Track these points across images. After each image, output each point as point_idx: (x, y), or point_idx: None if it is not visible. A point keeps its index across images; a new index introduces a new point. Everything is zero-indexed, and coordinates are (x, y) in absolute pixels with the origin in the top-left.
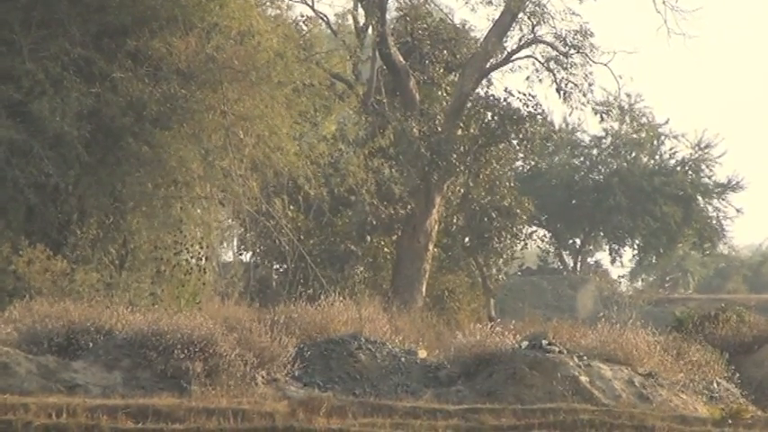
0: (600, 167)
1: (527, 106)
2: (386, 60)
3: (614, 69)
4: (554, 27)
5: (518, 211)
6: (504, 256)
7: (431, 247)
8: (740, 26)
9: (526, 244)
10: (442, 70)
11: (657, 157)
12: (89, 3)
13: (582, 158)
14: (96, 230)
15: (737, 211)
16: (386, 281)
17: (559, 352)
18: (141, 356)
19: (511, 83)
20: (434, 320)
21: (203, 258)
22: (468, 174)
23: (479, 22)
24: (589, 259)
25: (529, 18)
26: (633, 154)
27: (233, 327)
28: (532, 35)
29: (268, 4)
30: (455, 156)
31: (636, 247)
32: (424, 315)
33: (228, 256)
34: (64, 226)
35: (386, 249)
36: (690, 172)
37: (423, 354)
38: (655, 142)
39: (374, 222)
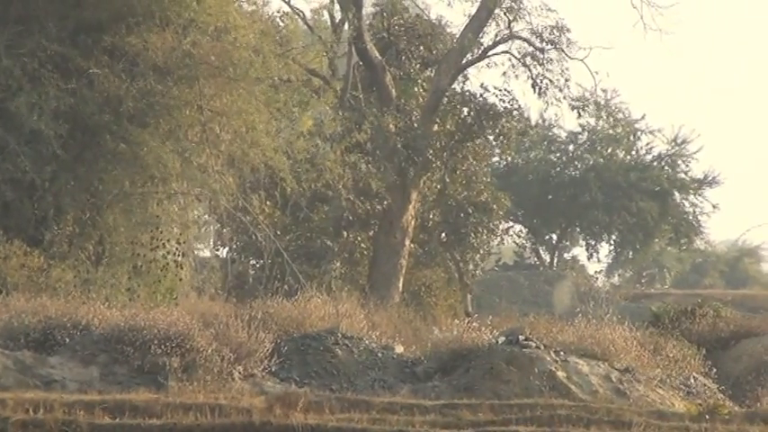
0: (576, 163)
1: (503, 102)
2: (362, 56)
3: (591, 65)
4: (530, 23)
5: (494, 206)
6: (481, 252)
7: (407, 242)
8: (716, 22)
9: (503, 239)
10: (418, 66)
11: (634, 152)
12: None
13: (558, 154)
14: (73, 227)
15: (714, 206)
16: (362, 276)
17: (536, 347)
18: (118, 352)
19: (487, 78)
20: (411, 316)
21: (180, 254)
22: (445, 169)
23: (456, 18)
24: (565, 255)
25: (505, 14)
26: (609, 149)
27: (210, 322)
28: (508, 31)
29: None
30: (431, 151)
31: (612, 242)
32: (400, 310)
33: (205, 252)
34: (40, 222)
35: (362, 245)
36: (666, 167)
37: (399, 349)
38: (631, 138)
39: (351, 218)
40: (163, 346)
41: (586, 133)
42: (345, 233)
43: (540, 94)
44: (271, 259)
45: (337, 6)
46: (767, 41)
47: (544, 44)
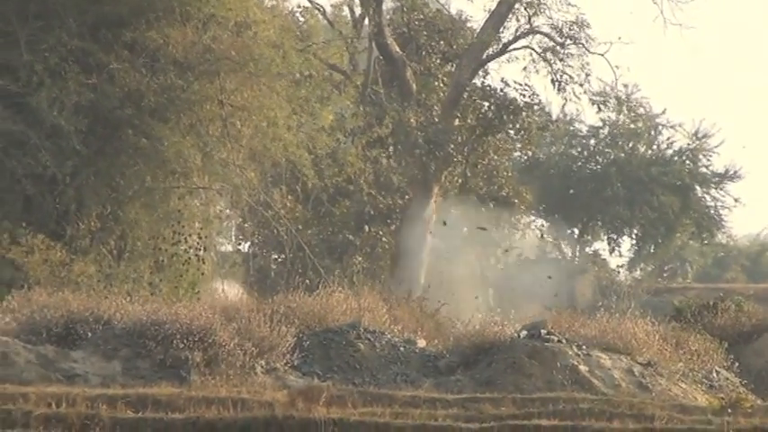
0: (597, 157)
1: (524, 96)
2: (382, 51)
3: (611, 60)
4: (550, 18)
5: (516, 201)
6: (502, 246)
7: (429, 236)
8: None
9: (524, 234)
10: (438, 61)
11: (655, 147)
12: None
13: (579, 148)
14: (95, 221)
15: (735, 200)
16: (384, 270)
17: (558, 341)
18: (140, 346)
19: (507, 73)
20: (433, 310)
21: (202, 249)
22: (466, 164)
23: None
24: (587, 249)
25: (525, 9)
26: (630, 144)
27: (232, 317)
28: (529, 26)
29: None
30: (452, 146)
31: (634, 236)
32: (423, 305)
33: (227, 247)
34: (62, 217)
35: (384, 239)
36: (687, 162)
37: (422, 343)
38: (652, 132)
39: (372, 212)
40: (185, 341)
41: (607, 128)
42: (367, 227)
43: (559, 89)
44: (292, 253)
45: (357, 1)
46: None
47: (564, 39)
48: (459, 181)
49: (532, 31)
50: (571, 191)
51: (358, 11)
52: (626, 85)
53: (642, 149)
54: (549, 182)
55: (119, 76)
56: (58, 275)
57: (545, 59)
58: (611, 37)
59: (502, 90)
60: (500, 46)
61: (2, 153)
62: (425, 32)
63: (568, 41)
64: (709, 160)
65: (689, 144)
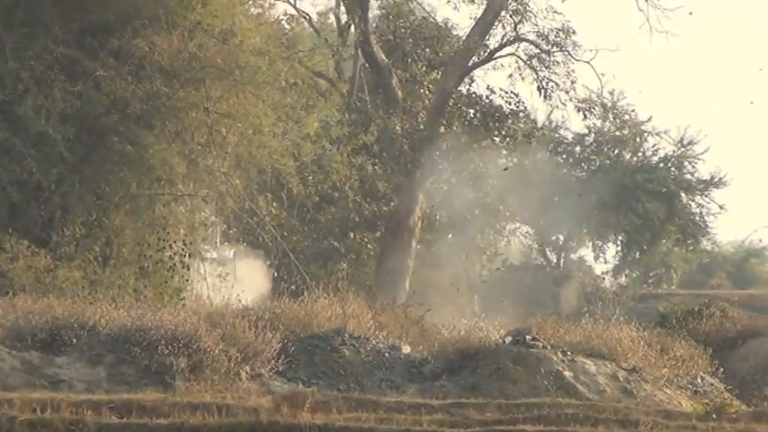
0: (583, 164)
1: (509, 104)
2: (368, 58)
3: (597, 67)
4: (536, 25)
5: (501, 207)
6: (488, 253)
7: (414, 243)
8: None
9: (509, 240)
10: (424, 68)
11: (640, 154)
12: (71, 1)
13: (565, 155)
14: (80, 228)
15: (720, 207)
16: (369, 277)
17: (543, 347)
18: (125, 352)
19: (493, 81)
20: (418, 316)
21: (187, 255)
22: (451, 171)
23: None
24: (572, 255)
25: (511, 16)
26: (616, 151)
27: (217, 322)
28: (515, 33)
29: (251, 2)
30: (438, 153)
31: (619, 243)
32: (407, 311)
33: (212, 254)
34: (47, 223)
35: (369, 246)
36: (673, 169)
37: (407, 349)
38: (637, 139)
39: (357, 219)
40: (170, 347)
41: (593, 135)
42: (352, 234)
43: (545, 96)
44: (278, 260)
45: (343, 9)
46: None
47: (550, 46)
48: (445, 188)
49: (518, 38)
50: (556, 198)
51: (344, 18)
52: (612, 93)
53: (627, 156)
54: (535, 189)
55: (105, 83)
56: (42, 282)
57: (531, 67)
58: (596, 44)
59: (487, 97)
60: (486, 53)
61: None
62: (411, 40)
63: (554, 49)
64: (694, 167)
65: (674, 151)
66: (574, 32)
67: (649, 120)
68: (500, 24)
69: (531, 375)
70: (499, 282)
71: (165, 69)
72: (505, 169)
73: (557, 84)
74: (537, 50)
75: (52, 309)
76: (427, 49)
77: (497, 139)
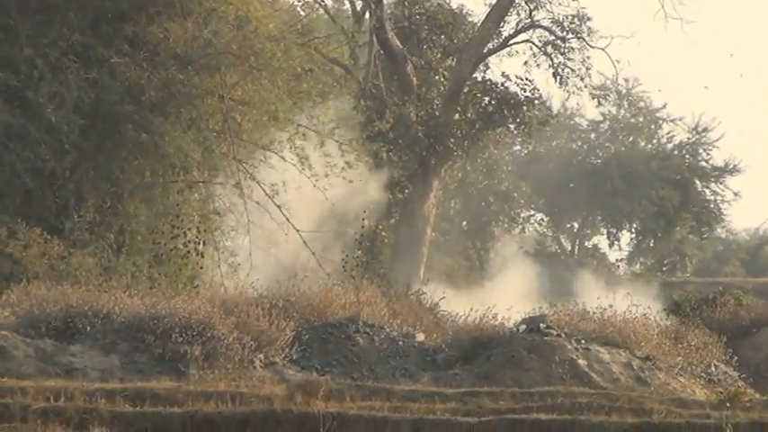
0: (598, 151)
1: (524, 91)
2: (383, 45)
3: (612, 54)
4: (551, 12)
5: (515, 195)
6: (502, 240)
7: (428, 230)
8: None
9: (524, 228)
10: (439, 55)
11: (655, 141)
12: None
13: (580, 143)
14: (94, 215)
15: (735, 194)
16: (384, 265)
17: (557, 335)
18: (139, 340)
19: (508, 67)
20: (432, 304)
21: (201, 243)
22: (466, 158)
23: (476, 7)
24: (587, 243)
25: (526, 2)
26: (631, 138)
27: (231, 310)
28: (530, 20)
29: None
30: (452, 140)
31: (633, 230)
32: (421, 299)
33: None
34: (61, 211)
35: (384, 233)
36: (687, 156)
37: (421, 337)
38: (652, 126)
39: (372, 206)
40: (184, 335)
41: (608, 122)
42: (366, 222)
43: (561, 83)
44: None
45: None
46: None
47: (565, 33)
48: (459, 175)
49: (533, 25)
50: (571, 185)
51: (359, 5)
52: (627, 80)
53: (642, 144)
54: (549, 176)
55: (119, 70)
56: (56, 269)
57: (546, 53)
58: (611, 31)
59: (502, 84)
60: (501, 40)
61: (1, 147)
62: (426, 27)
63: (569, 35)
64: (708, 154)
65: (689, 138)
66: (589, 19)
67: (664, 107)
68: (515, 11)
69: (544, 364)
70: (514, 269)
71: (179, 56)
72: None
73: (572, 70)
74: (552, 37)
75: (66, 296)
76: (442, 36)
77: (512, 126)
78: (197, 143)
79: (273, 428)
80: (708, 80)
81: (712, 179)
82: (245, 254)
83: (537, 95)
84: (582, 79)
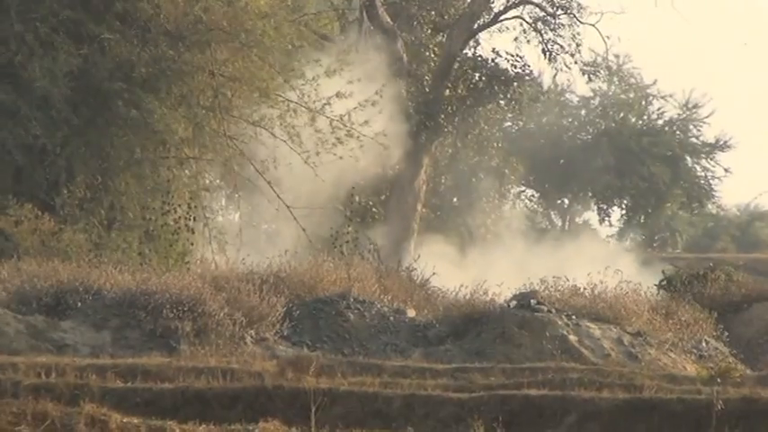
0: (588, 128)
1: (515, 67)
2: (373, 21)
3: (602, 30)
4: None
5: (506, 171)
6: (493, 217)
7: (419, 207)
8: None
9: (514, 204)
10: (429, 31)
11: (645, 117)
12: None
13: (570, 119)
14: (84, 191)
15: (726, 170)
16: (375, 241)
17: (548, 311)
18: (130, 316)
19: (499, 43)
20: (423, 280)
21: (192, 219)
22: (457, 134)
23: None
24: (577, 219)
25: None
26: (621, 114)
27: (221, 286)
28: None
29: None
30: (443, 116)
31: (624, 206)
32: (412, 275)
33: (218, 218)
34: (52, 187)
35: (374, 209)
36: (678, 132)
37: (411, 313)
38: (643, 103)
39: (362, 182)
40: (175, 311)
41: (598, 98)
42: (357, 198)
43: (550, 59)
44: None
45: None
46: None
47: (555, 9)
48: (450, 151)
49: (524, 1)
50: (561, 161)
51: None
52: (617, 56)
53: (633, 120)
54: (540, 152)
55: (110, 46)
56: (47, 245)
57: (536, 29)
58: (602, 7)
59: (493, 60)
60: (491, 16)
61: None
62: (416, 3)
63: (559, 11)
64: (699, 130)
65: (679, 114)
66: None
67: (655, 83)
68: None
69: (535, 340)
70: (503, 245)
71: (170, 32)
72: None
73: (562, 47)
74: (542, 13)
75: (57, 272)
76: (432, 12)
77: (503, 102)
78: (187, 120)
79: (264, 404)
80: (699, 56)
81: (703, 155)
82: (235, 230)
83: (527, 72)
84: (572, 56)
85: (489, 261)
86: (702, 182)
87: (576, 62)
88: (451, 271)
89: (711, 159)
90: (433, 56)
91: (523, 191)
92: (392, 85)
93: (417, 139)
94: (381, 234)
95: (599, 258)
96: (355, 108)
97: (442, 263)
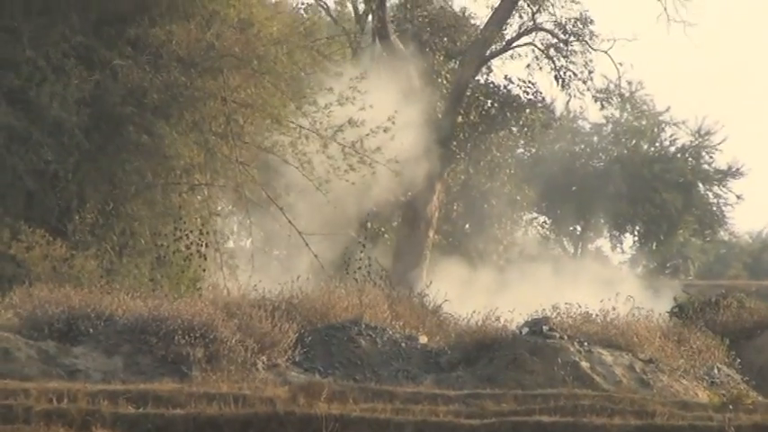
0: (600, 154)
1: (527, 94)
2: (386, 47)
3: (614, 57)
4: (554, 14)
5: (518, 197)
6: (505, 243)
7: (431, 233)
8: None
9: (526, 230)
10: (442, 58)
11: (658, 144)
12: None
13: (582, 145)
14: (96, 217)
15: (738, 197)
16: (387, 267)
17: (560, 338)
18: (142, 342)
19: (511, 70)
20: (435, 307)
21: (203, 245)
22: (469, 160)
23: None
24: (590, 246)
25: (529, 5)
26: (634, 141)
27: (233, 312)
28: (532, 22)
29: None
30: (455, 143)
31: (636, 233)
32: (424, 301)
33: (229, 244)
34: (63, 213)
35: (386, 236)
36: (690, 159)
37: (423, 339)
38: (655, 129)
39: (375, 209)
40: (187, 337)
41: (611, 125)
42: (369, 224)
43: (563, 86)
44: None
45: None
46: None
47: (568, 36)
48: (462, 177)
49: (536, 27)
50: (574, 188)
51: (361, 7)
52: (629, 83)
53: (645, 146)
54: (552, 179)
55: (122, 72)
56: (59, 271)
57: (548, 56)
58: (614, 34)
59: (505, 87)
60: (503, 43)
61: (4, 149)
62: (429, 29)
63: (572, 38)
64: (711, 157)
65: (692, 141)
66: (591, 22)
67: (667, 110)
68: (517, 14)
69: (547, 366)
70: (516, 271)
71: (182, 59)
72: None
73: (574, 73)
74: (554, 40)
75: (69, 298)
76: (445, 39)
77: (515, 128)
78: (199, 145)
79: (276, 430)
80: (711, 83)
81: (715, 182)
82: (247, 256)
83: (540, 98)
84: (584, 82)
85: (501, 287)
86: (714, 209)
87: (588, 89)
88: (463, 297)
89: (724, 186)
90: (445, 82)
91: (535, 217)
92: (404, 111)
93: (430, 166)
94: (393, 260)
95: (611, 285)
96: (367, 135)
97: (454, 289)
